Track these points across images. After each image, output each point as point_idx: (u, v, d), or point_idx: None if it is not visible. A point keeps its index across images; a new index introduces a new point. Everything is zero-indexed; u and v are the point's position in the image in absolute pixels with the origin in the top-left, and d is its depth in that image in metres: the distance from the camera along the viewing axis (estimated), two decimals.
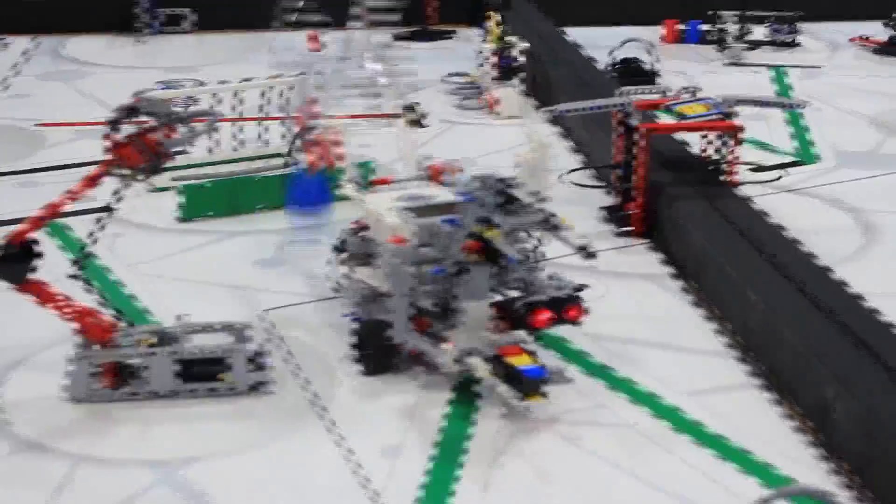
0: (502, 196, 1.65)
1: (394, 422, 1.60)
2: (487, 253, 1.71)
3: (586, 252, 1.72)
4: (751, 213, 1.98)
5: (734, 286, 1.76)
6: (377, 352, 1.76)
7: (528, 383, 1.61)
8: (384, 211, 1.77)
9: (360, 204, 1.80)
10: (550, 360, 1.72)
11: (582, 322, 1.65)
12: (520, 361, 1.66)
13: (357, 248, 1.86)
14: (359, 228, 1.81)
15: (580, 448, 1.54)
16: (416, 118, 2.74)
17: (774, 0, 3.62)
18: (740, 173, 2.25)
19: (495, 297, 1.78)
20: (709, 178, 2.19)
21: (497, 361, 1.69)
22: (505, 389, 1.65)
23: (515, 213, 1.66)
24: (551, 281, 1.69)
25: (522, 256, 1.70)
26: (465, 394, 1.63)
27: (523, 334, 1.74)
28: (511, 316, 1.77)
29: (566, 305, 1.67)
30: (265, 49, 3.39)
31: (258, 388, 1.62)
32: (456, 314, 1.69)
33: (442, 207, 1.74)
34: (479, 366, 1.65)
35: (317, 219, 2.16)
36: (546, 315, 1.66)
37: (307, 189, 2.17)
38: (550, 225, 1.69)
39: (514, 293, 1.77)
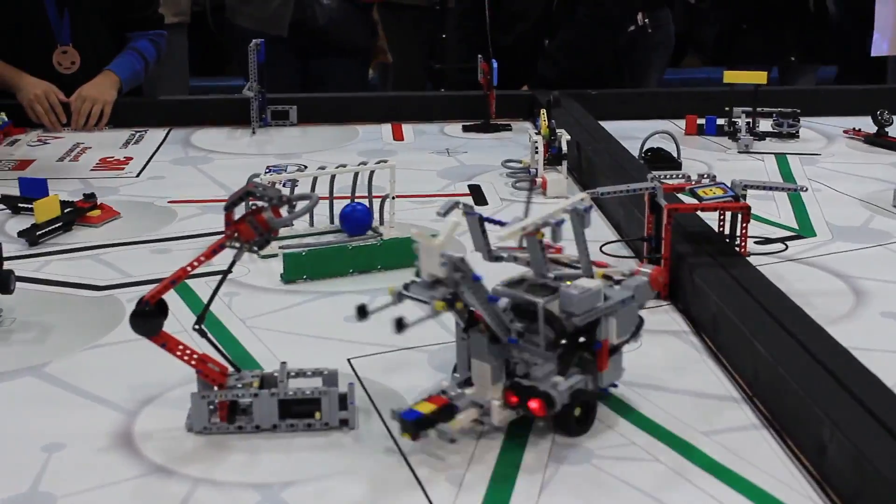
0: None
1: (458, 453, 1.59)
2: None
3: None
4: (759, 279, 1.97)
5: (744, 341, 1.75)
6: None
7: (402, 423, 1.51)
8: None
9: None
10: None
11: (541, 417, 1.53)
12: (419, 407, 1.56)
13: None
14: None
15: (613, 476, 1.53)
16: (480, 196, 2.78)
17: (778, 97, 3.63)
18: (750, 245, 2.24)
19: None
20: (724, 249, 2.17)
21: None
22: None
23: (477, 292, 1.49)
24: (553, 375, 1.54)
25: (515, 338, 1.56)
26: (518, 430, 1.62)
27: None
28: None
29: (533, 397, 1.52)
30: (356, 139, 3.45)
31: (344, 423, 1.63)
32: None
33: (535, 286, 1.63)
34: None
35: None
36: (513, 398, 1.55)
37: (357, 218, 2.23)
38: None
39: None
